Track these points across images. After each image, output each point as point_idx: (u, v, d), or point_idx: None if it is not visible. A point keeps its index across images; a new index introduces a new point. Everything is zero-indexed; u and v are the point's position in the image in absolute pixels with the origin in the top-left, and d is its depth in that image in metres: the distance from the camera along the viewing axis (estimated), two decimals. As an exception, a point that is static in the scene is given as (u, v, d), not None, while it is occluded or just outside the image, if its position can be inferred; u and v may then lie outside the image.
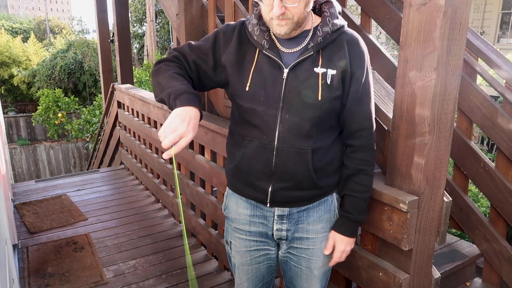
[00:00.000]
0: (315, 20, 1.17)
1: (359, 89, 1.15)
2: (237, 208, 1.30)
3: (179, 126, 1.00)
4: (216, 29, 1.24)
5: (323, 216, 1.26)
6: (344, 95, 1.15)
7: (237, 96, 1.18)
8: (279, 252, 1.33)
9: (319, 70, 1.11)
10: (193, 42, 1.25)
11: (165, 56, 1.30)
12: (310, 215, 1.25)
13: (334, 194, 1.28)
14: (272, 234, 1.28)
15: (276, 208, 1.24)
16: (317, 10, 1.19)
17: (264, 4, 1.08)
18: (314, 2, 1.17)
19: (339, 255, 1.27)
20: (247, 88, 1.15)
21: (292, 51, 1.14)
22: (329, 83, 1.11)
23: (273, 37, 1.16)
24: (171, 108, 1.07)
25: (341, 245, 1.25)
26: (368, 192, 1.24)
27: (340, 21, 1.15)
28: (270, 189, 1.19)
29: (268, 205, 1.23)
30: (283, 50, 1.15)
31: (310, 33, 1.14)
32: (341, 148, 1.24)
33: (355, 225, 1.27)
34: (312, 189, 1.21)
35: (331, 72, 1.11)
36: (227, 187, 1.36)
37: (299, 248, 1.27)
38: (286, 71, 1.12)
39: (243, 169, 1.22)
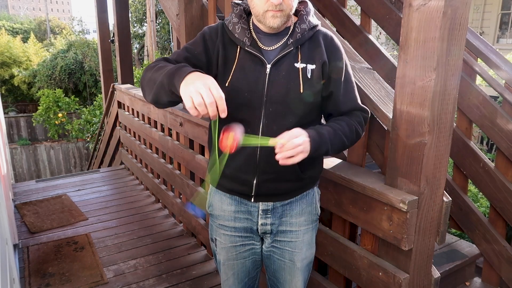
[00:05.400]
0: (293, 18, 1.21)
1: (341, 79, 1.20)
2: (221, 205, 1.32)
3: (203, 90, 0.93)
4: (201, 32, 1.24)
5: (305, 209, 1.31)
6: (325, 87, 1.20)
7: None
8: (263, 247, 1.35)
9: (299, 65, 1.16)
10: (181, 49, 1.24)
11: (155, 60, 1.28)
12: (293, 208, 1.29)
13: (315, 188, 1.34)
14: (257, 229, 1.30)
15: (260, 203, 1.26)
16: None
17: None
18: None
19: (291, 146, 1.03)
20: (227, 84, 1.17)
21: (272, 48, 1.19)
22: (309, 77, 1.16)
23: (254, 35, 1.20)
24: (173, 84, 0.99)
25: (300, 140, 1.04)
26: (346, 140, 1.16)
27: (315, 20, 1.21)
28: (255, 181, 1.22)
29: (252, 200, 1.26)
30: (263, 47, 1.19)
31: (290, 31, 1.19)
32: None
33: (321, 145, 1.11)
34: (295, 181, 1.25)
35: (310, 67, 1.17)
36: (210, 185, 1.37)
37: (283, 241, 1.30)
38: (268, 66, 1.16)
39: (228, 163, 1.21)
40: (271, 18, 1.12)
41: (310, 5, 1.23)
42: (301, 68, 1.16)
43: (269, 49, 1.19)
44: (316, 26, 1.20)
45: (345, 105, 1.22)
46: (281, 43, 1.19)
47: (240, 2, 1.23)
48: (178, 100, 1.03)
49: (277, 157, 1.04)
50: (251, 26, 1.20)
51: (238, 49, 1.18)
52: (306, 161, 1.16)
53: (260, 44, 1.19)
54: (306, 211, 1.31)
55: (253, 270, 1.38)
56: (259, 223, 1.28)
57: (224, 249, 1.34)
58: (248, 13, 1.23)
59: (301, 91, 1.16)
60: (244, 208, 1.29)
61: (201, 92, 0.93)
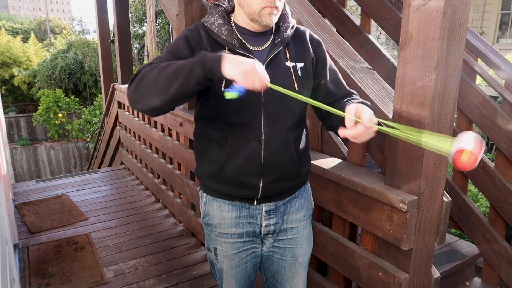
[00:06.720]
0: None
1: (327, 69, 1.25)
2: (220, 212, 1.27)
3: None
4: (182, 35, 1.16)
5: (303, 204, 1.33)
6: (315, 81, 1.23)
7: (215, 98, 1.15)
8: (263, 248, 1.34)
9: (289, 64, 1.18)
10: (163, 54, 1.14)
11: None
12: (293, 205, 1.31)
13: (308, 183, 1.38)
14: (260, 231, 1.29)
15: (263, 204, 1.25)
16: None
17: None
18: None
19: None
20: (222, 88, 1.12)
21: (261, 48, 1.18)
22: (300, 75, 1.18)
23: (240, 37, 1.18)
24: (209, 70, 0.96)
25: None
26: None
27: (292, 19, 1.24)
28: (261, 184, 1.20)
29: (255, 203, 1.24)
30: (252, 48, 1.17)
31: (273, 30, 1.20)
32: (308, 136, 1.33)
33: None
34: (295, 178, 1.26)
35: (299, 65, 1.19)
36: (204, 194, 1.32)
37: (284, 240, 1.31)
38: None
39: (230, 169, 1.19)
40: (268, 16, 1.10)
41: (286, 4, 1.24)
42: (292, 66, 1.17)
43: (257, 49, 1.17)
44: (294, 25, 1.23)
45: (338, 93, 1.26)
46: (268, 43, 1.18)
47: (219, 3, 1.20)
48: (207, 86, 1.03)
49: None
50: (233, 27, 1.18)
51: (226, 51, 1.13)
52: (302, 158, 1.27)
53: (248, 46, 1.16)
54: (304, 206, 1.34)
55: (253, 274, 1.38)
56: (263, 224, 1.27)
57: (226, 257, 1.30)
58: (228, 13, 1.20)
59: (296, 88, 1.17)
60: (246, 212, 1.26)
61: (255, 82, 0.96)
